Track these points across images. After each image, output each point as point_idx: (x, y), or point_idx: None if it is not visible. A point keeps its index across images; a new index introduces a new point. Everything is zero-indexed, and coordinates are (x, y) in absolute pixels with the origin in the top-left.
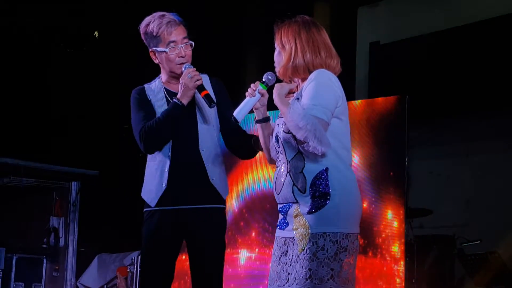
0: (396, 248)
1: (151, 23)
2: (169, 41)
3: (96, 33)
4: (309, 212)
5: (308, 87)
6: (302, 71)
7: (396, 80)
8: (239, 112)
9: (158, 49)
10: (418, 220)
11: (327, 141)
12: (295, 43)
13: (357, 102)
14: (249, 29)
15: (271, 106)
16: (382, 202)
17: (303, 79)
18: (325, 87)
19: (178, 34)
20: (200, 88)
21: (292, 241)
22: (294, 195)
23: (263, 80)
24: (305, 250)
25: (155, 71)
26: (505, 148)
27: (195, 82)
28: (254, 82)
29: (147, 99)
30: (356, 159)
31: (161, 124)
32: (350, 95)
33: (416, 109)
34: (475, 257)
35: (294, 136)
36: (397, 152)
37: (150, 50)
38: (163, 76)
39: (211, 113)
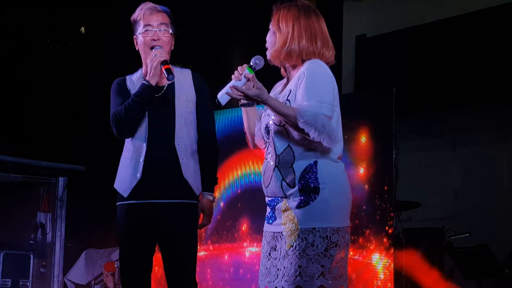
0: (385, 241)
1: (136, 11)
2: (145, 25)
3: (82, 28)
4: (298, 207)
5: (307, 79)
6: (295, 57)
7: (382, 73)
8: (223, 95)
9: (137, 33)
10: (406, 213)
11: (335, 136)
12: (293, 27)
13: (344, 95)
14: (236, 21)
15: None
16: (370, 195)
17: (294, 66)
18: (325, 82)
19: (155, 20)
20: (164, 62)
21: (280, 236)
22: (282, 190)
23: (251, 63)
24: (294, 246)
25: (141, 66)
26: (492, 140)
27: (158, 58)
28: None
29: (126, 89)
30: (343, 152)
31: (130, 106)
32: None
33: (403, 102)
34: (464, 250)
35: (286, 130)
36: (385, 145)
37: (134, 38)
38: (143, 66)
39: (190, 108)
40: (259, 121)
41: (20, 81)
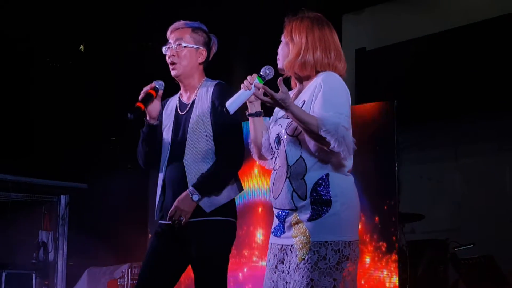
0: (389, 254)
1: None
2: (168, 43)
3: (82, 46)
4: (310, 220)
5: (324, 90)
6: (309, 68)
7: (383, 86)
8: (231, 104)
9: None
10: (410, 225)
11: (354, 148)
12: (306, 38)
13: None
14: (241, 34)
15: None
16: (373, 207)
17: (307, 77)
18: (343, 95)
19: (173, 36)
20: (144, 100)
21: (290, 249)
22: (293, 201)
23: (261, 73)
24: (305, 259)
25: (146, 84)
26: (495, 151)
27: (142, 94)
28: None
29: (161, 111)
30: None
31: (139, 143)
32: None
33: (404, 114)
34: (468, 261)
35: (299, 140)
36: (387, 157)
37: None
38: None
39: (204, 123)
40: (267, 131)
41: (20, 99)
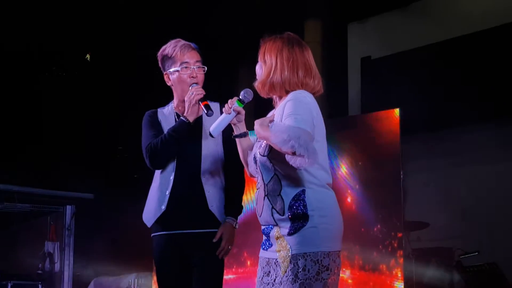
0: (395, 262)
1: (167, 47)
2: (182, 62)
3: (88, 56)
4: (289, 234)
5: (286, 106)
6: (278, 89)
7: (388, 94)
8: (214, 129)
9: (172, 69)
10: (416, 233)
11: (313, 150)
12: (276, 59)
13: (350, 117)
14: (242, 47)
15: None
16: (378, 215)
17: (280, 97)
18: (302, 104)
19: (191, 56)
20: (202, 99)
21: (275, 262)
22: (273, 218)
23: (240, 97)
24: (287, 272)
25: (151, 94)
26: (500, 158)
27: (195, 95)
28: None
29: (157, 121)
30: (351, 174)
31: (166, 140)
32: (343, 111)
33: (409, 122)
34: (474, 268)
35: (270, 159)
36: (392, 166)
37: (164, 73)
38: (175, 100)
39: (217, 140)
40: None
41: (27, 110)
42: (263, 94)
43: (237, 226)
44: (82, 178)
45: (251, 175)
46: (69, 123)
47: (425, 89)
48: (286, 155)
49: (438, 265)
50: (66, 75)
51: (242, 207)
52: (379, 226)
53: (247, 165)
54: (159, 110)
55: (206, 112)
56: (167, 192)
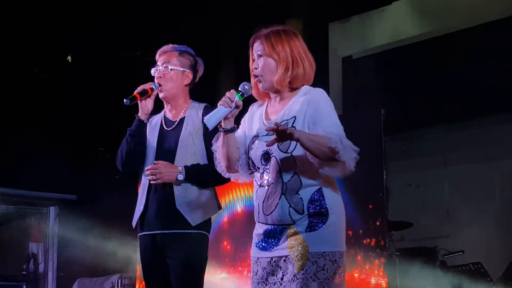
0: (378, 262)
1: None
2: (155, 65)
3: (69, 57)
4: (307, 231)
5: (319, 108)
6: (300, 81)
7: (370, 94)
8: (209, 119)
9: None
10: (399, 233)
11: (355, 158)
12: (292, 52)
13: None
14: (226, 46)
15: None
16: (361, 216)
17: (291, 89)
18: (332, 108)
19: (160, 59)
20: (141, 93)
21: (284, 260)
22: (290, 216)
23: (240, 90)
24: (304, 269)
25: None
26: (483, 158)
27: (136, 91)
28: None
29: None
30: None
31: (123, 141)
32: None
33: (392, 122)
34: (458, 268)
35: (293, 157)
36: (375, 166)
37: None
38: None
39: (195, 140)
40: (243, 146)
41: (8, 111)
42: (282, 88)
43: (180, 178)
44: (65, 179)
45: (229, 171)
46: (50, 124)
47: (407, 88)
48: (323, 166)
49: (422, 265)
50: (47, 77)
51: (196, 179)
52: (362, 226)
53: (229, 160)
54: (158, 114)
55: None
56: (145, 192)
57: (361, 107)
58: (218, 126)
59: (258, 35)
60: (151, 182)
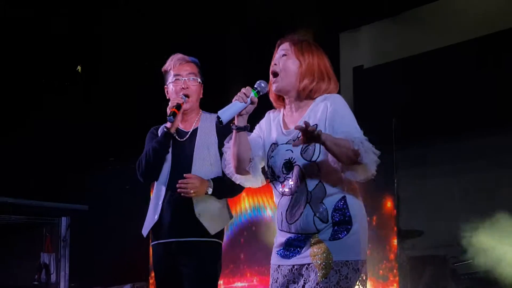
0: (389, 271)
1: (167, 62)
2: (175, 74)
3: (79, 67)
4: (331, 239)
5: (338, 113)
6: (321, 93)
7: (381, 104)
8: (224, 113)
9: (167, 82)
10: (410, 241)
11: (376, 162)
12: (318, 64)
13: None
14: (233, 54)
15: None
16: (373, 224)
17: (308, 97)
18: (352, 113)
19: (184, 69)
20: (176, 107)
21: (307, 267)
22: (315, 225)
23: (256, 87)
24: (328, 278)
25: (145, 105)
26: (493, 167)
27: (169, 106)
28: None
29: (156, 136)
30: None
31: (149, 151)
32: None
33: (403, 132)
34: (469, 276)
35: (317, 165)
36: (386, 175)
37: (164, 87)
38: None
39: (210, 150)
40: (262, 151)
41: (19, 121)
42: (304, 94)
43: (209, 191)
44: (77, 189)
45: (238, 172)
46: (62, 135)
47: (419, 98)
48: (346, 170)
49: (434, 273)
50: (57, 87)
51: (221, 192)
52: (373, 234)
53: (240, 160)
54: (162, 125)
55: (168, 115)
56: (160, 202)
57: (372, 117)
58: (231, 124)
59: (289, 37)
60: (182, 195)
